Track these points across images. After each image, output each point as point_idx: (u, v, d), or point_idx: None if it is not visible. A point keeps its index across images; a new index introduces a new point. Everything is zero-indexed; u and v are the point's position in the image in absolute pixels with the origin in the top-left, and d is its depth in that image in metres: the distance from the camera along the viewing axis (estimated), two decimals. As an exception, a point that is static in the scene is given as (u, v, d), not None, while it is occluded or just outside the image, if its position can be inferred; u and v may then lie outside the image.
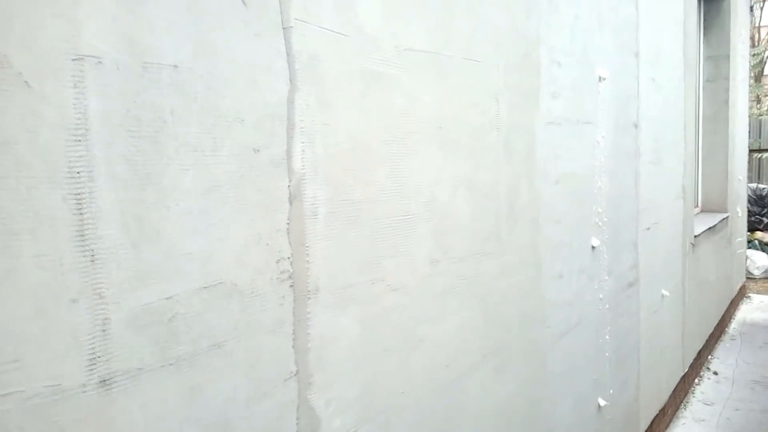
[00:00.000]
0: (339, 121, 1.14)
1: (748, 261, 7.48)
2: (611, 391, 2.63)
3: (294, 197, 1.05)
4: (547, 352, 2.04)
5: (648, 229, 3.12)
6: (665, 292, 3.45)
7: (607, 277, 2.55)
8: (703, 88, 5.26)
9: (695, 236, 4.18)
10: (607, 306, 2.57)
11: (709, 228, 4.59)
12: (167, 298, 0.84)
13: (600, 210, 2.45)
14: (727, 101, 5.23)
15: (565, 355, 2.18)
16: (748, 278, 7.19)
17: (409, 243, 1.35)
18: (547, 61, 1.98)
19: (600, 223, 2.46)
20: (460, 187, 1.54)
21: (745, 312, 6.18)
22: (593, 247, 2.37)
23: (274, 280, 1.01)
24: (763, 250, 8.05)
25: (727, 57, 5.22)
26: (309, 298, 1.09)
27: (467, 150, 1.57)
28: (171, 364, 0.86)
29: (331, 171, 1.13)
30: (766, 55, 19.53)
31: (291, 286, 1.05)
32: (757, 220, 8.37)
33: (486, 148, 1.66)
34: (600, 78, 2.43)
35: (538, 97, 1.93)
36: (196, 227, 0.88)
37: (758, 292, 7.03)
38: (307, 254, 1.08)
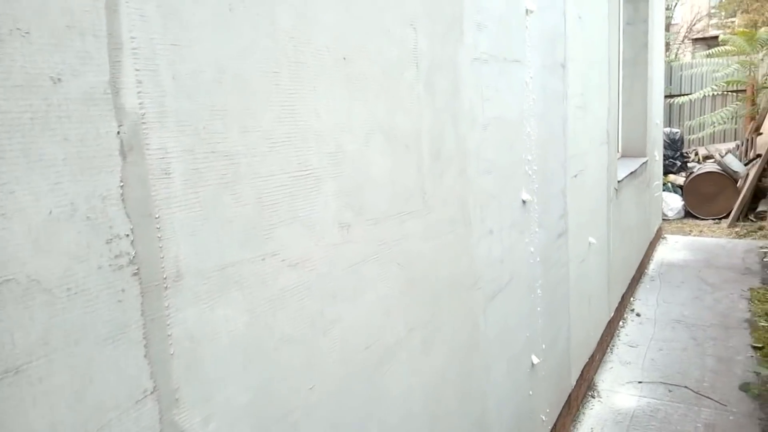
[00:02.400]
0: (196, 41, 0.83)
1: (663, 203, 7.76)
2: (544, 347, 2.52)
3: (130, 148, 0.74)
4: (479, 315, 1.86)
5: (575, 176, 3.00)
6: (592, 240, 3.39)
7: (537, 229, 2.40)
8: (623, 30, 5.20)
9: (618, 182, 4.15)
10: (538, 259, 2.43)
11: (631, 173, 4.60)
12: None
13: (530, 158, 2.26)
14: (646, 45, 5.21)
15: (498, 316, 2.01)
16: (663, 220, 7.48)
17: (310, 205, 1.07)
18: (471, -15, 1.71)
19: (530, 172, 2.28)
20: (374, 134, 1.27)
21: (662, 253, 6.41)
22: (524, 201, 2.19)
23: (104, 269, 0.71)
24: (675, 192, 8.39)
25: (646, -1, 5.16)
26: (167, 287, 0.79)
27: (381, 89, 1.29)
28: None
29: (188, 111, 0.82)
30: (673, 5, 20.25)
31: (135, 274, 0.75)
32: (671, 163, 8.68)
33: (404, 87, 1.39)
34: (527, 10, 2.19)
35: (463, 27, 1.67)
36: (-56, 199, 0.56)
37: (672, 233, 7.33)
38: (158, 228, 0.78)
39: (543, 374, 2.50)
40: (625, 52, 5.26)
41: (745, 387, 3.52)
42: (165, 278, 0.79)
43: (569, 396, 2.98)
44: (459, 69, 1.66)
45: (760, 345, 4.06)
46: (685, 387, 3.56)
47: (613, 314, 4.14)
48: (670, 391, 3.53)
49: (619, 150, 5.47)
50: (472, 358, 1.81)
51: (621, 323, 4.55)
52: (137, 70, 0.75)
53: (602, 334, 3.82)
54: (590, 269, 3.40)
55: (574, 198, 2.94)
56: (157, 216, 0.77)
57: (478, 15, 1.75)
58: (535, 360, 2.37)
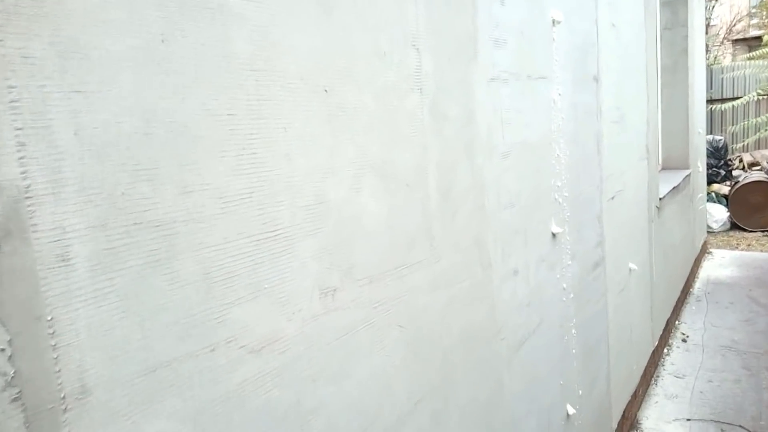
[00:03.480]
0: (112, 84, 0.64)
1: (707, 215, 7.33)
2: (580, 393, 2.26)
3: (6, 234, 0.55)
4: (502, 370, 1.63)
5: (612, 198, 2.73)
6: (633, 266, 3.10)
7: (570, 262, 2.15)
8: (661, 36, 4.89)
9: (660, 199, 3.85)
10: (572, 295, 2.18)
11: (674, 188, 4.27)
12: None
13: (559, 184, 2.03)
14: (686, 50, 4.88)
15: (526, 367, 1.77)
16: (708, 232, 7.04)
17: (280, 273, 0.88)
18: (486, -4, 1.50)
19: (560, 200, 2.04)
20: (365, 176, 1.07)
21: (708, 269, 6.01)
22: (554, 234, 1.95)
23: (-37, 401, 0.53)
24: (720, 203, 7.93)
25: (685, 2, 4.84)
26: (66, 409, 0.60)
27: (374, 121, 1.09)
28: None
29: (98, 175, 0.63)
30: (711, 6, 19.52)
31: (15, 399, 0.56)
32: (714, 172, 8.22)
33: (404, 116, 1.18)
34: (554, 21, 1.97)
35: (476, 44, 1.46)
36: None
37: (719, 247, 6.89)
38: (52, 333, 0.59)
39: (579, 423, 2.24)
40: (663, 59, 4.94)
41: (809, 427, 3.16)
42: (63, 398, 0.60)
43: (609, 441, 2.70)
44: (473, 91, 1.45)
45: (823, 377, 3.68)
46: (740, 426, 3.22)
47: (657, 342, 3.82)
48: (722, 430, 3.19)
49: (660, 163, 5.14)
50: (494, 421, 1.58)
51: (666, 350, 4.21)
52: (18, 129, 0.56)
53: (646, 365, 3.51)
54: (631, 297, 3.11)
55: (611, 222, 2.68)
56: (49, 318, 0.59)
57: (495, 30, 1.54)
58: (571, 410, 2.12)
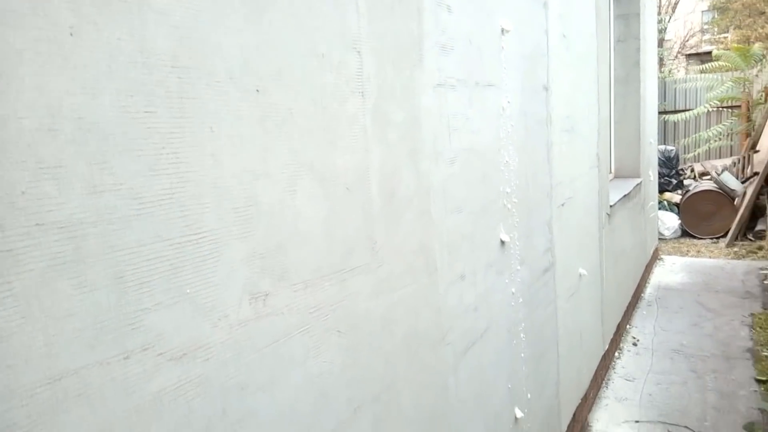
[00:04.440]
0: (10, 78, 0.61)
1: (659, 222, 7.55)
2: (529, 396, 2.28)
3: None
4: (448, 375, 1.62)
5: (563, 205, 2.78)
6: (583, 271, 3.16)
7: (519, 267, 2.17)
8: (614, 48, 5.03)
9: (611, 206, 3.94)
10: (521, 300, 2.20)
11: (624, 195, 4.38)
12: None
13: (509, 190, 2.05)
14: (638, 62, 5.03)
15: (473, 372, 1.78)
16: (660, 239, 7.26)
17: (204, 278, 0.85)
18: (432, 3, 1.51)
19: (509, 206, 2.06)
20: (301, 178, 1.05)
21: (659, 275, 6.18)
22: (502, 241, 1.97)
23: None
24: (671, 211, 8.19)
25: (637, 15, 5.00)
26: (-49, 422, 0.57)
27: (311, 123, 1.07)
28: None
29: (-7, 174, 0.60)
30: (666, 21, 20.25)
31: None
32: (666, 181, 8.48)
33: (344, 119, 1.17)
34: (503, 30, 1.99)
35: (422, 50, 1.46)
36: None
37: (669, 254, 7.10)
38: (-65, 342, 0.55)
39: (528, 426, 2.26)
40: (616, 71, 5.08)
41: (749, 427, 3.27)
42: (-52, 410, 0.56)
43: (560, 444, 2.73)
44: (418, 96, 1.44)
45: (763, 378, 3.82)
46: (686, 427, 3.31)
47: (607, 346, 3.90)
48: (669, 431, 3.28)
49: (612, 171, 5.27)
50: (439, 425, 1.57)
51: (617, 354, 4.30)
52: None
53: (596, 369, 3.58)
54: (581, 302, 3.17)
55: (561, 229, 2.72)
56: (-68, 324, 0.55)
57: (441, 36, 1.55)
58: (519, 414, 2.13)
